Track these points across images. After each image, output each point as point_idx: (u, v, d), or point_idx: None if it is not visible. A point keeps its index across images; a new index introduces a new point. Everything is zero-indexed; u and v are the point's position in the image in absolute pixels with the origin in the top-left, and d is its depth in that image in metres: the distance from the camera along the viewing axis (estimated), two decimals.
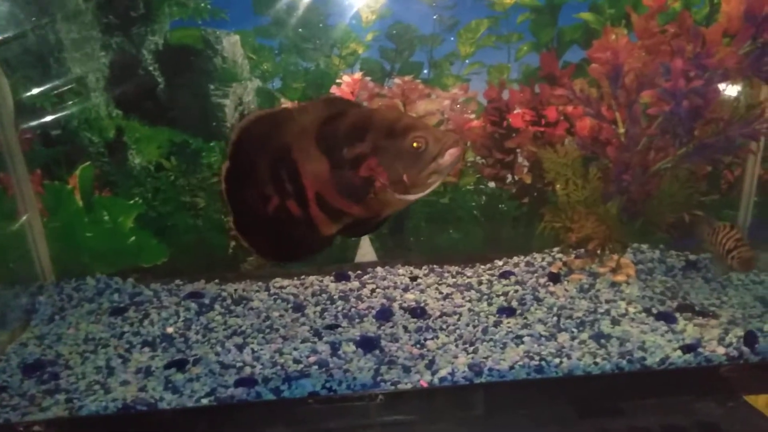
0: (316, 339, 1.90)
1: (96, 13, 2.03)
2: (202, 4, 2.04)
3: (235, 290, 2.26)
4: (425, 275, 2.37)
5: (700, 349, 1.72)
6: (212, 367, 1.75)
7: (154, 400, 1.61)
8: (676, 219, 2.17)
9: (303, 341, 1.88)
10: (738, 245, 1.91)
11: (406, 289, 2.25)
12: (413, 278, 2.34)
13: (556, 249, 2.42)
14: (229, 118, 2.19)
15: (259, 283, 2.31)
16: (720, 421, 1.65)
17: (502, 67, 2.24)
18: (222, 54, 2.11)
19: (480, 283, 2.27)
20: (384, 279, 2.34)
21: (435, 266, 2.43)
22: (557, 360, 1.70)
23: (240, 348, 1.84)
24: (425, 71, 2.26)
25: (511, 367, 1.68)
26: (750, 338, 1.73)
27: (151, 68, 2.11)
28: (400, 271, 2.40)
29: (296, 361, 1.77)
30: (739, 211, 2.32)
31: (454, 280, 2.32)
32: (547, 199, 2.28)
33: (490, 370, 1.68)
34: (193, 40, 2.05)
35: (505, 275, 2.31)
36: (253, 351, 1.82)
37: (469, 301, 2.13)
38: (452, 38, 2.22)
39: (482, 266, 2.41)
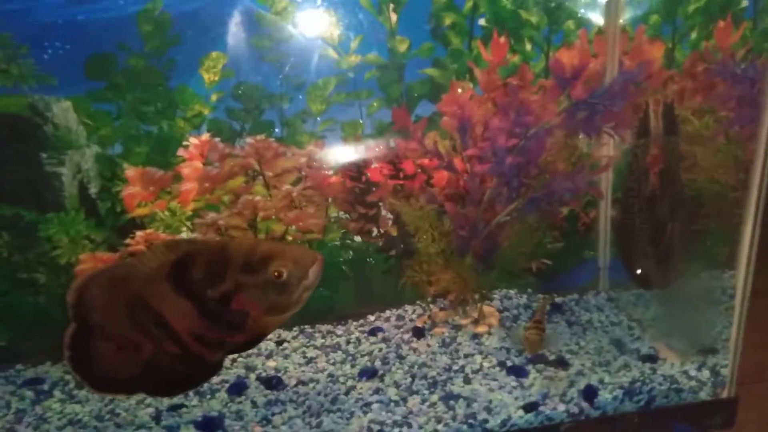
0: (153, 423, 1.76)
1: None
2: (27, 71, 1.93)
3: None
4: (294, 338, 2.28)
5: (542, 408, 1.70)
6: None
7: None
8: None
9: (137, 428, 1.74)
10: (531, 326, 2.00)
11: (269, 356, 2.15)
12: (279, 342, 2.24)
13: (428, 299, 2.39)
14: (67, 186, 2.06)
15: None
16: None
17: (356, 123, 2.22)
18: (53, 121, 2.00)
19: (348, 342, 2.20)
20: None
21: (306, 327, 2.35)
22: (397, 430, 1.63)
23: None
24: (277, 130, 2.21)
25: None
26: (589, 392, 1.72)
27: None
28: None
29: None
30: (598, 253, 2.36)
31: (323, 341, 2.24)
32: (414, 250, 2.24)
33: None
34: (19, 108, 1.93)
35: (373, 332, 2.25)
36: None
37: (333, 364, 2.05)
38: (301, 96, 2.19)
39: (354, 323, 2.35)
